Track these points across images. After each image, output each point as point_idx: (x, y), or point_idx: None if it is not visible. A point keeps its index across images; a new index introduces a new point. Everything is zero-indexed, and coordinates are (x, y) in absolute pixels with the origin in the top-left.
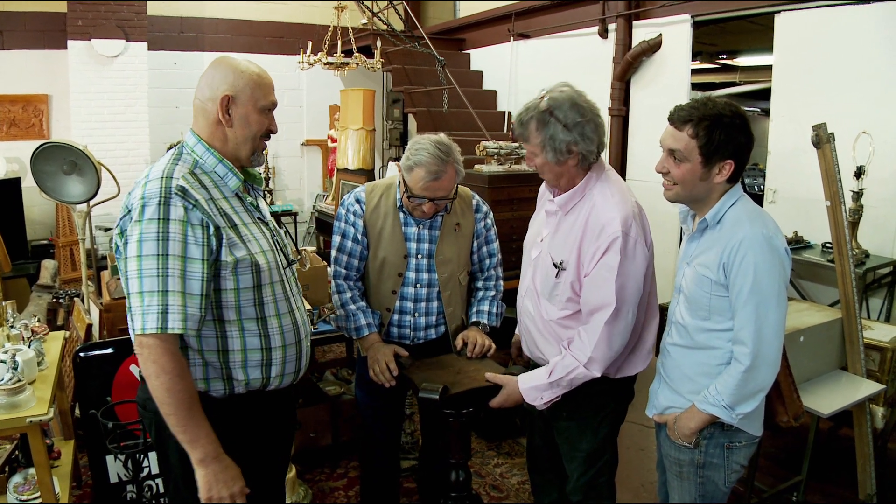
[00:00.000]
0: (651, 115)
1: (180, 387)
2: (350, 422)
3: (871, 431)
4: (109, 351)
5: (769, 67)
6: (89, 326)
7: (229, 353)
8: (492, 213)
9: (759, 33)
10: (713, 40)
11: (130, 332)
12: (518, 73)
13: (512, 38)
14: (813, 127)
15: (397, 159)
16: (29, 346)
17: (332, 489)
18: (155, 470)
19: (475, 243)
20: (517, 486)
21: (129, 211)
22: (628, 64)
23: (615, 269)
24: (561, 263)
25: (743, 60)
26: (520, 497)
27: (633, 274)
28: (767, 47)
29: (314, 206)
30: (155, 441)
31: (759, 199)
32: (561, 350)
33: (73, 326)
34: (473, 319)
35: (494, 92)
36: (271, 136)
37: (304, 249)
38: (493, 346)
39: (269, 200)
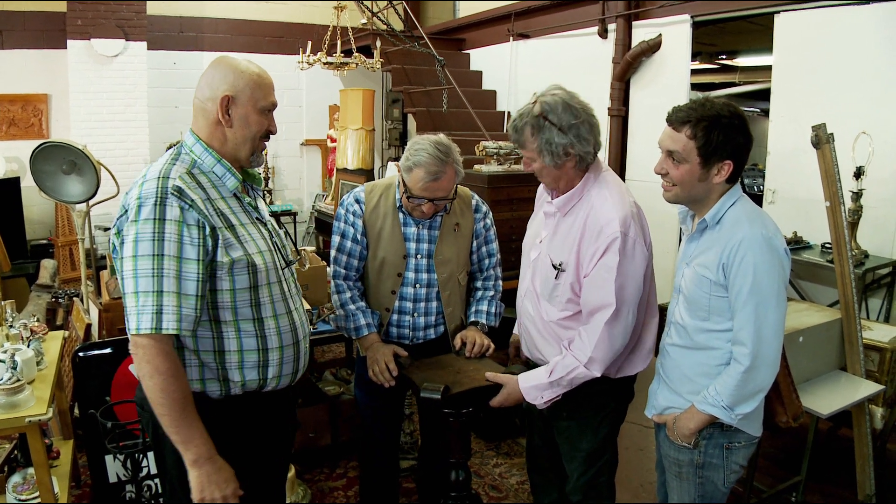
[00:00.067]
0: (650, 115)
1: (174, 387)
2: (349, 422)
3: (870, 432)
4: (108, 351)
5: (769, 68)
6: (88, 326)
7: (225, 353)
8: (491, 213)
9: (758, 33)
10: (713, 40)
11: (127, 331)
12: (518, 73)
13: (511, 38)
14: (812, 127)
15: (397, 159)
16: (28, 346)
17: (332, 489)
18: (154, 470)
19: (474, 243)
20: (516, 486)
21: (126, 211)
22: (628, 64)
23: (614, 270)
24: (560, 265)
25: (742, 61)
26: (519, 497)
27: (633, 274)
28: (767, 48)
29: (313, 206)
30: (152, 441)
31: (758, 199)
32: (561, 350)
33: (73, 326)
34: (472, 319)
35: (494, 92)
36: (271, 136)
37: (304, 249)
38: (492, 345)
39: (268, 200)
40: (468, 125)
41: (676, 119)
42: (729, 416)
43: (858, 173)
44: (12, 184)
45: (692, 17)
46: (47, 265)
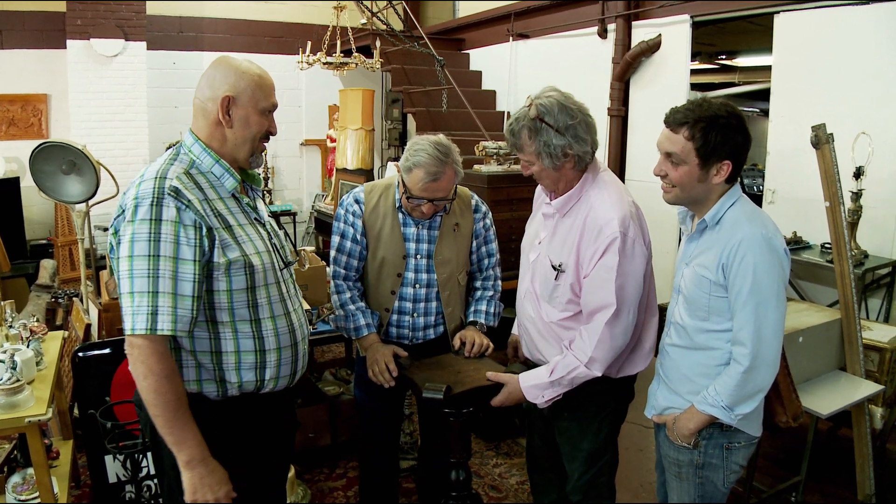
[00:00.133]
0: (650, 115)
1: (167, 388)
2: (349, 422)
3: (869, 432)
4: (108, 351)
5: (768, 68)
6: (88, 326)
7: (222, 354)
8: (490, 213)
9: (758, 34)
10: (712, 40)
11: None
12: (517, 73)
13: (511, 38)
14: (812, 127)
15: (396, 159)
16: (28, 346)
17: (332, 489)
18: (153, 470)
19: (474, 243)
20: (516, 486)
21: (123, 211)
22: (627, 64)
23: (614, 270)
24: (560, 266)
25: (742, 61)
26: (519, 497)
27: (633, 274)
28: (767, 48)
29: (313, 206)
30: (150, 442)
31: (758, 199)
32: (562, 350)
33: (72, 326)
34: (471, 319)
35: (494, 92)
36: (270, 137)
37: (303, 249)
38: (491, 345)
39: (267, 200)
40: (468, 125)
41: (674, 121)
42: (729, 417)
43: (858, 173)
44: (12, 184)
45: (692, 17)
46: (47, 265)
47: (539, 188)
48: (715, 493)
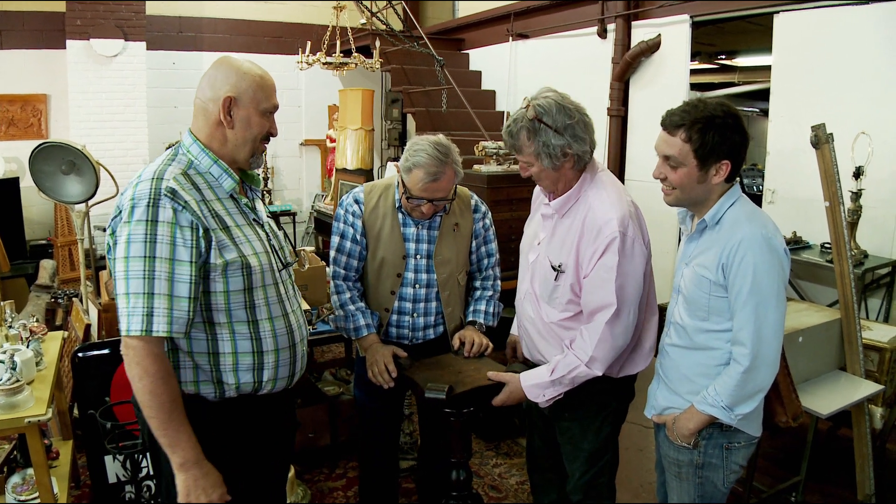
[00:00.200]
0: (650, 115)
1: (162, 390)
2: (349, 422)
3: (869, 432)
4: (108, 351)
5: (768, 68)
6: (88, 326)
7: (219, 355)
8: (490, 213)
9: (757, 34)
10: (712, 40)
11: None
12: (517, 73)
13: (511, 38)
14: (812, 127)
15: (396, 159)
16: (27, 347)
17: (331, 489)
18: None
19: (473, 243)
20: (516, 486)
21: (121, 212)
22: (627, 64)
23: (614, 270)
24: (560, 266)
25: (742, 61)
26: (518, 497)
27: (633, 273)
28: (766, 48)
29: (313, 206)
30: (148, 442)
31: (757, 199)
32: (563, 350)
33: (72, 326)
34: (470, 319)
35: (493, 92)
36: (271, 138)
37: (303, 249)
38: (491, 345)
39: (267, 200)
40: (467, 125)
41: (670, 123)
42: (728, 417)
43: (858, 173)
44: (11, 184)
45: (691, 17)
46: (46, 265)
47: (537, 189)
48: (715, 493)
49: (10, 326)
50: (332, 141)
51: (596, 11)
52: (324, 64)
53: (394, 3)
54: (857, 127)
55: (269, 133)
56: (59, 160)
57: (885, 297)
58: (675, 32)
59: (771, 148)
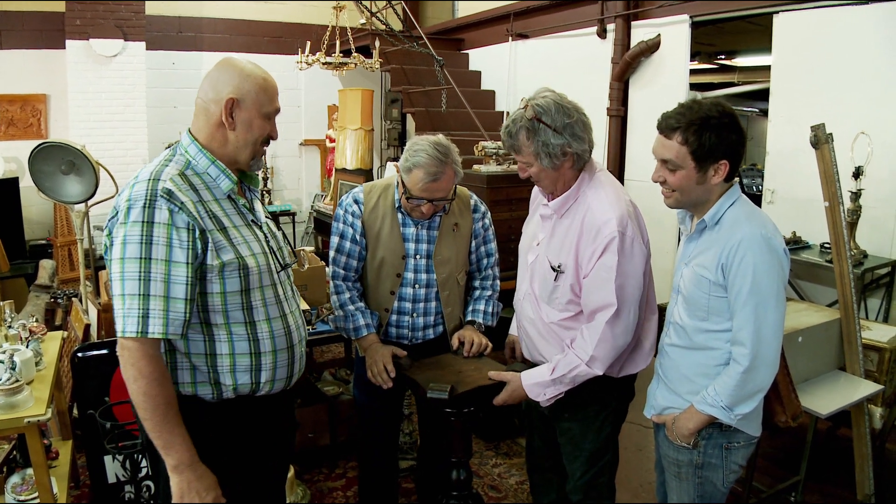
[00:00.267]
0: (650, 115)
1: (156, 391)
2: (348, 422)
3: (869, 432)
4: (107, 351)
5: (768, 68)
6: (87, 326)
7: (217, 356)
8: (489, 213)
9: (757, 34)
10: (712, 40)
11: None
12: (516, 73)
13: (510, 38)
14: (811, 127)
15: (395, 159)
16: (27, 347)
17: (331, 489)
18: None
19: (473, 243)
20: (515, 486)
21: (117, 212)
22: (627, 64)
23: (614, 270)
24: (559, 267)
25: (741, 61)
26: (518, 497)
27: (633, 273)
28: (766, 48)
29: (312, 206)
30: (147, 443)
31: (757, 199)
32: (563, 350)
33: (71, 326)
34: (469, 318)
35: (493, 92)
36: (271, 141)
37: (303, 249)
38: (490, 344)
39: (267, 200)
40: (467, 125)
41: (666, 126)
42: (728, 417)
43: (857, 173)
44: (11, 184)
45: (691, 17)
46: (46, 265)
47: (536, 190)
48: (714, 492)
49: (10, 326)
50: (332, 141)
51: (595, 11)
52: (323, 64)
53: (393, 3)
54: (856, 127)
55: (270, 136)
56: (59, 160)
57: (885, 296)
58: (674, 32)
59: (770, 148)
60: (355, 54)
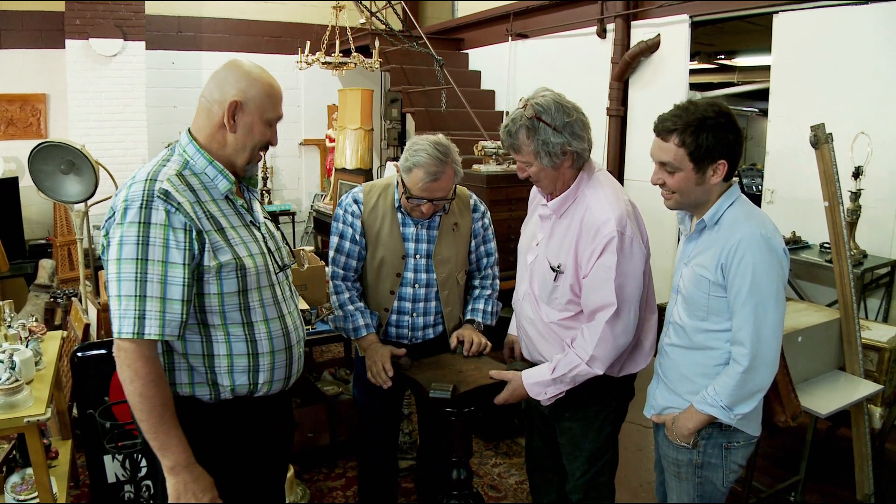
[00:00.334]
0: (649, 115)
1: (153, 393)
2: (348, 422)
3: (868, 431)
4: (107, 351)
5: (767, 68)
6: (87, 326)
7: (214, 357)
8: (489, 212)
9: (757, 34)
10: (711, 40)
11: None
12: (516, 72)
13: (510, 37)
14: (811, 127)
15: (395, 159)
16: (26, 346)
17: (331, 489)
18: None
19: (473, 243)
20: (515, 485)
21: (114, 213)
22: (626, 64)
23: (613, 269)
24: (558, 267)
25: (741, 61)
26: (518, 497)
27: (632, 272)
28: (766, 48)
29: (312, 206)
30: (145, 443)
31: (757, 199)
32: (564, 349)
33: (71, 326)
34: (468, 317)
35: (493, 92)
36: (269, 148)
37: (302, 249)
38: (489, 344)
39: (266, 200)
40: (467, 125)
41: (663, 129)
42: (728, 416)
43: (857, 173)
44: (11, 184)
45: (691, 17)
46: (46, 265)
47: (534, 190)
48: (714, 492)
49: (10, 326)
50: (332, 140)
51: (595, 11)
52: (323, 64)
53: (393, 2)
54: (856, 127)
55: (269, 143)
56: (59, 160)
57: (885, 296)
58: (674, 32)
59: (770, 148)
60: (355, 54)
